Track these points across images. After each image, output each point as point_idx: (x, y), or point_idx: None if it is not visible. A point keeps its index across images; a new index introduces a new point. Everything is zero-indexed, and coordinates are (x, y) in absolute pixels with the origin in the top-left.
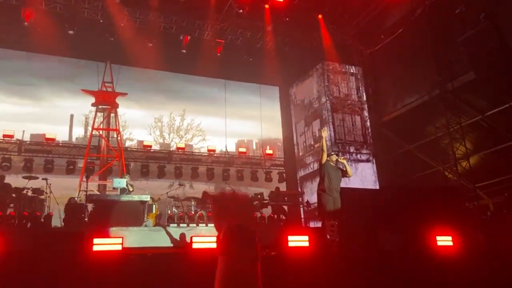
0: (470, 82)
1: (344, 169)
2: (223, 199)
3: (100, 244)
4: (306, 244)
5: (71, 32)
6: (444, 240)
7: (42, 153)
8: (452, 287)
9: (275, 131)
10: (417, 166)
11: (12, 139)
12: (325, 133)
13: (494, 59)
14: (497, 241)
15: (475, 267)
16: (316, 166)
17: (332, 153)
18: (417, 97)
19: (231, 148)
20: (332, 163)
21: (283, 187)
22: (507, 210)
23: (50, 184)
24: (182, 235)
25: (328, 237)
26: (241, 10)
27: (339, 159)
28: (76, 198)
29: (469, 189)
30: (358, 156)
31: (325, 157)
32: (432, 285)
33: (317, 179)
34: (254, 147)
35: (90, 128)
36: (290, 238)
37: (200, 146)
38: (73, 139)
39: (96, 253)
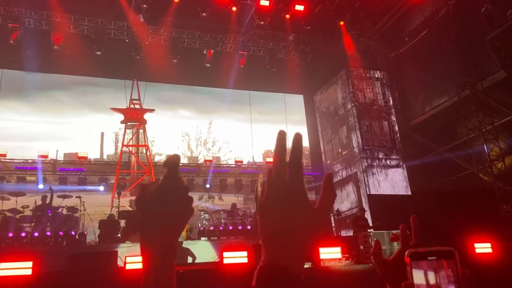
0: (501, 81)
1: None
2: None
3: (133, 263)
4: (339, 255)
5: (98, 53)
6: (483, 248)
7: (76, 172)
8: None
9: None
10: (449, 170)
11: (47, 159)
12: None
13: None
14: None
15: None
16: (345, 173)
17: None
18: (446, 99)
19: (258, 159)
20: None
21: (311, 195)
22: None
23: (83, 201)
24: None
25: (361, 247)
26: (262, 22)
27: None
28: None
29: (506, 191)
30: (388, 161)
31: None
32: None
33: (347, 187)
34: None
35: (120, 145)
36: (321, 250)
37: (228, 157)
38: (105, 156)
39: (128, 272)
